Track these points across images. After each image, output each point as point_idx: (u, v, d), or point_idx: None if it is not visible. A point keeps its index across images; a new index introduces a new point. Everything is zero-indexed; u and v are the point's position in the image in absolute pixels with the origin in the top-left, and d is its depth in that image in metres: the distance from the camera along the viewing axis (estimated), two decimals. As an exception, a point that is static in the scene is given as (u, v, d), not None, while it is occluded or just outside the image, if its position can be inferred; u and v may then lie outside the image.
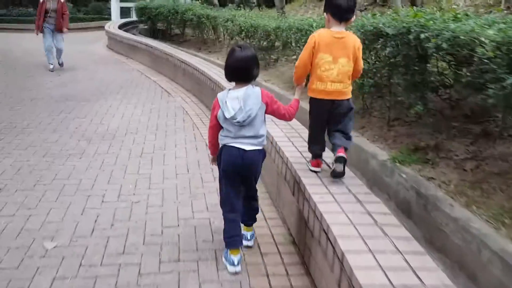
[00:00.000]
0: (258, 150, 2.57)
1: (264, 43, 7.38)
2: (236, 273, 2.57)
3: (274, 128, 3.75)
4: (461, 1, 6.90)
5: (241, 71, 2.51)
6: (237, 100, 2.48)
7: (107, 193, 3.65)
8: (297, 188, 2.83)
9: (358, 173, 3.63)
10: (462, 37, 2.98)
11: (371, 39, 4.01)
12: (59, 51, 9.60)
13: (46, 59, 9.44)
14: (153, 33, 13.80)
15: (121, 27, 15.14)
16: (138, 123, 5.81)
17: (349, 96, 2.68)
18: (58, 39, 9.38)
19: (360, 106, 4.57)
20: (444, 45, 3.07)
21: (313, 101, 2.72)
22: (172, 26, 12.53)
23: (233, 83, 2.57)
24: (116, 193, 3.65)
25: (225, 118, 2.51)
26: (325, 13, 2.69)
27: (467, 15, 3.69)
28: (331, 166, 2.72)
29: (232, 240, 2.62)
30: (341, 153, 2.59)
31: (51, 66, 9.34)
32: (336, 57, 2.58)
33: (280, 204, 3.45)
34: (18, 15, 20.61)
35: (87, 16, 19.27)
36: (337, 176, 2.67)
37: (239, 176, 2.61)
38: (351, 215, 2.28)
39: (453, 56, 3.33)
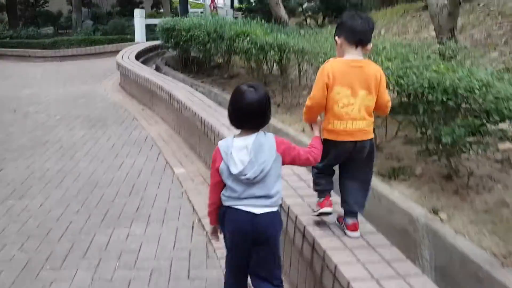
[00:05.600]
0: (273, 212, 2.05)
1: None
2: None
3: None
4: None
5: (254, 117, 2.03)
6: (246, 150, 2.01)
7: None
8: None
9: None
10: None
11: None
12: None
13: None
14: (185, 64, 9.46)
15: (141, 54, 10.89)
16: None
17: (372, 135, 2.30)
18: None
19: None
20: None
21: (330, 144, 2.26)
22: (212, 54, 8.10)
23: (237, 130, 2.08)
24: None
25: (230, 173, 2.02)
26: (336, 37, 2.30)
27: None
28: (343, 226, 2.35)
29: None
30: (355, 231, 2.30)
31: None
32: (355, 90, 2.20)
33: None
34: (27, 36, 16.90)
35: (104, 37, 15.17)
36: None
37: (248, 248, 2.06)
38: None
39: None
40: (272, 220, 2.06)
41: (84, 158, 5.08)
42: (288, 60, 5.70)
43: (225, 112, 5.15)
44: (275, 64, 6.61)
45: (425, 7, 9.47)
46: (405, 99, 3.10)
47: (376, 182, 3.40)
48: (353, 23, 2.23)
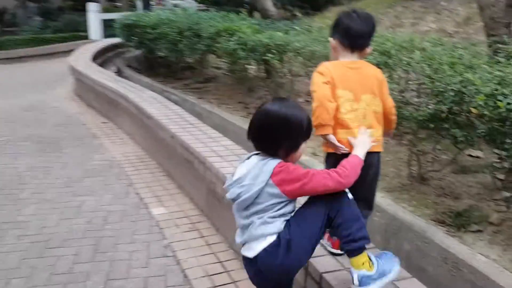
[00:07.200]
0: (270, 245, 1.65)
1: None
2: None
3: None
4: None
5: (258, 134, 1.70)
6: (245, 169, 1.71)
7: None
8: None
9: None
10: None
11: None
12: None
13: None
14: (151, 65, 8.29)
15: (98, 55, 9.59)
16: None
17: (382, 148, 1.96)
18: None
19: None
20: None
21: (334, 158, 1.87)
22: (185, 55, 6.92)
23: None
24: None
25: None
26: (330, 38, 2.01)
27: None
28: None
29: None
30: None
31: None
32: (357, 93, 1.89)
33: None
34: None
35: (56, 35, 13.56)
36: None
37: None
38: None
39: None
40: (270, 259, 1.66)
41: (31, 200, 3.91)
42: (283, 64, 4.65)
43: (214, 133, 4.14)
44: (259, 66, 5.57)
45: (416, -5, 8.65)
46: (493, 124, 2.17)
47: (442, 237, 2.47)
48: (350, 23, 1.93)
